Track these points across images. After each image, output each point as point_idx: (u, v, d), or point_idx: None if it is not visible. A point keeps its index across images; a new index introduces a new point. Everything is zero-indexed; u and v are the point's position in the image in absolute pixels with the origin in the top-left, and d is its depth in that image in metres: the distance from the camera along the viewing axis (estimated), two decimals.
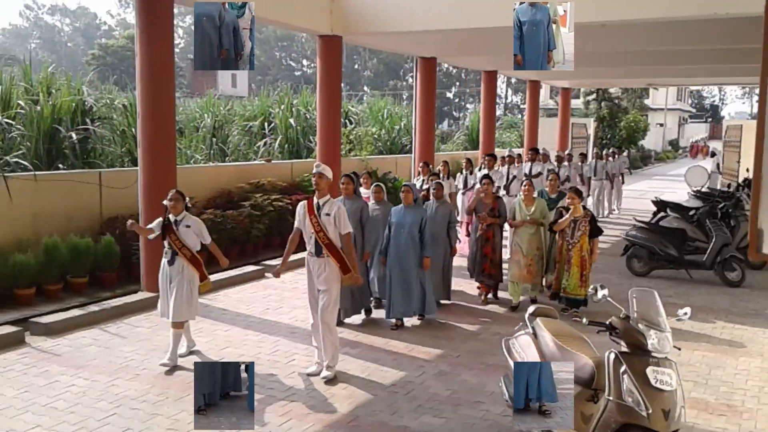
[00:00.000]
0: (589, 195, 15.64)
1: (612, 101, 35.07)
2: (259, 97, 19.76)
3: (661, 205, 12.72)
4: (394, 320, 7.74)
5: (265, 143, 17.16)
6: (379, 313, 8.13)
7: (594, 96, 34.90)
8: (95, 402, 5.60)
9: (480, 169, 12.35)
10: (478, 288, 8.97)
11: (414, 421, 5.32)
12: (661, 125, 54.91)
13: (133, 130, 11.64)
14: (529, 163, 13.80)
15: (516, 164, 13.42)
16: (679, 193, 17.19)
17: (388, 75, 70.77)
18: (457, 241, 9.08)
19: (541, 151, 14.35)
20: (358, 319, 7.94)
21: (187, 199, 6.64)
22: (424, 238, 7.60)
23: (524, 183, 8.82)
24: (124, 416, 5.34)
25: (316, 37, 12.11)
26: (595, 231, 8.17)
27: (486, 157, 12.32)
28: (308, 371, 6.29)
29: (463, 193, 12.08)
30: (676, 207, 12.48)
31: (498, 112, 33.38)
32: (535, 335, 4.94)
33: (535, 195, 8.87)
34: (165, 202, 6.47)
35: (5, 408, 5.44)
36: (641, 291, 4.28)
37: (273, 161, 14.96)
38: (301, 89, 20.26)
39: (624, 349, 4.09)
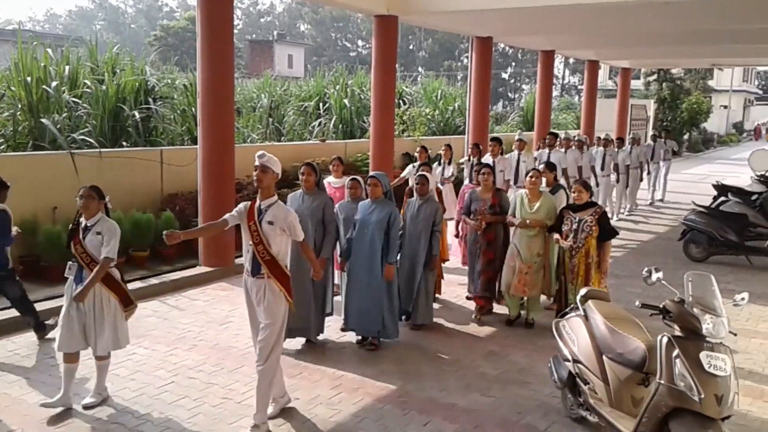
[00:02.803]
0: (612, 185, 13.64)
1: (674, 82, 34.00)
2: (315, 78, 19.91)
3: (722, 189, 12.32)
4: (354, 335, 6.56)
5: (319, 123, 17.33)
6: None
7: (655, 76, 33.89)
8: (154, 370, 5.86)
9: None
10: (475, 301, 7.44)
11: (462, 399, 5.38)
12: (725, 107, 52.88)
13: (193, 109, 11.93)
14: (547, 150, 11.99)
15: (557, 147, 11.99)
16: (742, 178, 16.64)
17: (443, 55, 70.15)
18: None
19: (576, 137, 13.07)
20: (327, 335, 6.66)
21: (107, 198, 5.15)
22: (389, 240, 6.24)
23: (530, 173, 7.15)
24: (181, 384, 5.57)
25: (372, 17, 12.14)
26: (606, 232, 6.61)
27: (490, 143, 10.74)
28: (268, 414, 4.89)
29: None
30: (738, 191, 12.08)
31: (555, 93, 32.79)
32: (586, 317, 4.93)
33: (544, 188, 7.51)
34: (77, 198, 5.04)
35: None
36: (697, 275, 4.21)
37: (327, 141, 15.11)
38: (356, 70, 20.32)
39: (678, 333, 4.04)
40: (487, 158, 10.32)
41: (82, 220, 5.07)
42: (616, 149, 13.83)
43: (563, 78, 67.35)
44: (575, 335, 4.89)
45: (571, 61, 57.63)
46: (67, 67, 11.10)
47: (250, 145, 13.73)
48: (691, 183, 19.54)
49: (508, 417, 5.08)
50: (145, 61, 12.72)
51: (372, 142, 12.43)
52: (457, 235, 8.44)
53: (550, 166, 7.92)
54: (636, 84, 33.70)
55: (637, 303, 4.33)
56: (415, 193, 7.05)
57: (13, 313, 6.84)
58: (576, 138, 13.02)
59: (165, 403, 5.21)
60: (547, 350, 5.99)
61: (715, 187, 12.55)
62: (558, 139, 12.21)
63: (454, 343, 6.65)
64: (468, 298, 7.83)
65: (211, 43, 8.68)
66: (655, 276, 4.40)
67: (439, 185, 9.91)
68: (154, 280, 8.32)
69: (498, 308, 7.52)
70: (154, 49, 30.73)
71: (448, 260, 8.54)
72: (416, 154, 10.08)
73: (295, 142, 15.26)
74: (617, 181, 13.73)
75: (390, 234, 6.22)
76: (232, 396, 5.37)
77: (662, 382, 3.95)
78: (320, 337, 6.54)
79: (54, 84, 10.50)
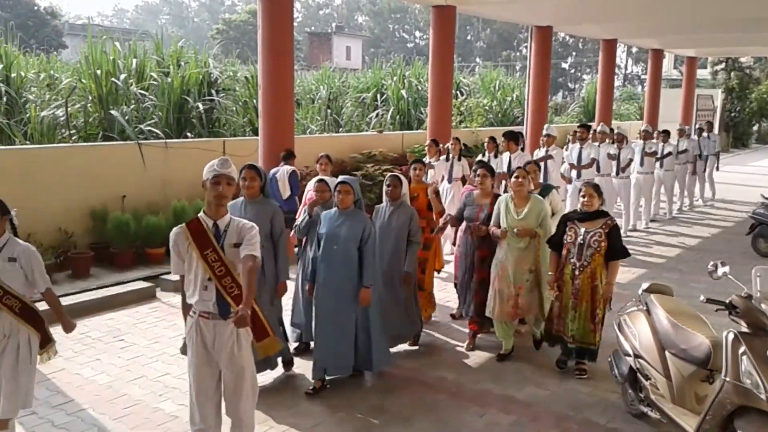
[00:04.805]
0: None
1: (743, 71, 32.63)
2: (372, 69, 20.00)
3: None
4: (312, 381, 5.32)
5: (377, 114, 17.42)
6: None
7: (723, 65, 32.57)
8: None
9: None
10: (469, 325, 6.32)
11: (519, 392, 5.36)
12: None
13: (255, 101, 12.17)
14: (578, 144, 10.58)
15: (591, 142, 10.70)
16: None
17: (502, 45, 69.26)
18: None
19: (616, 130, 11.73)
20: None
21: (13, 212, 4.00)
22: (364, 259, 5.20)
23: (516, 172, 5.87)
24: None
25: (430, 7, 12.11)
26: (617, 251, 5.43)
27: (487, 140, 9.79)
28: None
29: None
30: None
31: (617, 83, 31.99)
32: (648, 312, 4.84)
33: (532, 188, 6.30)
34: None
35: (138, 356, 5.97)
36: (766, 270, 4.09)
37: (384, 132, 15.18)
38: (414, 61, 20.31)
39: (744, 329, 3.93)
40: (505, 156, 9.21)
41: None
42: (657, 141, 12.38)
43: (626, 68, 65.61)
44: (636, 330, 4.81)
45: (634, 50, 56.11)
46: (134, 61, 11.48)
47: (309, 136, 13.93)
48: (761, 176, 18.78)
49: (565, 411, 5.04)
50: (208, 54, 13.04)
51: (429, 133, 12.43)
52: (455, 243, 7.21)
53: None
54: (702, 73, 32.54)
55: (702, 298, 4.23)
56: (384, 197, 6.00)
57: (87, 296, 7.18)
58: (616, 131, 11.72)
59: None
60: (606, 345, 5.90)
61: None
62: (591, 132, 10.99)
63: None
64: (453, 316, 6.94)
65: (272, 36, 8.83)
66: (721, 270, 4.29)
67: (446, 183, 9.42)
68: None
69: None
70: (217, 42, 31.39)
71: (442, 268, 7.28)
72: (449, 145, 9.50)
73: (352, 133, 15.38)
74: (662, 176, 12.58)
75: (364, 251, 5.17)
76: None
77: (728, 379, 3.85)
78: None
79: (122, 77, 10.89)
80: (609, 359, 5.18)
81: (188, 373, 3.83)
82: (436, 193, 6.91)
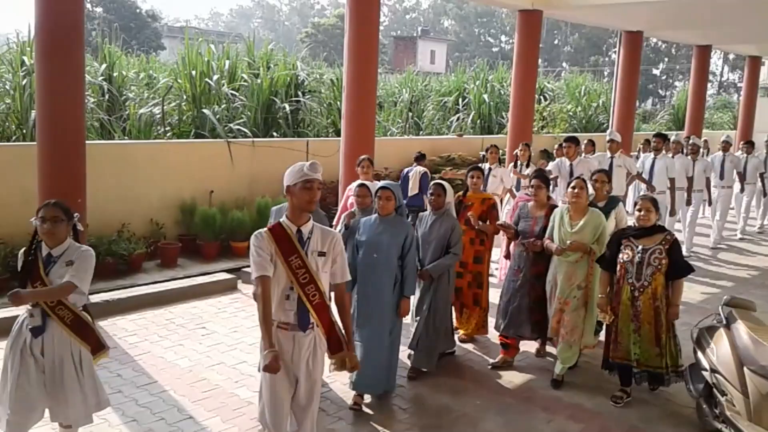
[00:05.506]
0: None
1: None
2: (455, 73, 20.02)
3: None
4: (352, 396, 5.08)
5: (458, 118, 17.45)
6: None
7: None
8: None
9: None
10: (508, 342, 5.91)
11: (589, 401, 5.30)
12: None
13: (339, 103, 12.46)
14: (651, 154, 9.82)
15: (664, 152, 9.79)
16: None
17: (590, 50, 67.58)
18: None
19: (672, 138, 10.66)
20: None
21: (76, 217, 3.81)
22: (405, 268, 5.03)
23: (573, 182, 5.57)
24: None
25: (517, 12, 12.05)
26: (679, 267, 5.05)
27: (521, 147, 9.32)
28: None
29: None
30: None
31: (711, 91, 30.68)
32: (728, 326, 4.70)
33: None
34: (34, 221, 3.70)
35: (218, 344, 6.26)
36: None
37: (464, 136, 15.20)
38: (497, 65, 20.21)
39: None
40: (563, 161, 8.87)
41: (42, 247, 3.72)
42: (742, 154, 11.63)
43: (721, 75, 62.70)
44: (714, 344, 4.68)
45: (730, 56, 53.53)
46: (227, 62, 11.98)
47: (389, 138, 14.13)
48: None
49: (636, 424, 4.95)
50: (296, 57, 13.47)
51: (509, 137, 12.36)
52: (507, 256, 6.61)
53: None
54: None
55: None
56: (428, 206, 5.84)
57: (174, 285, 7.59)
58: (691, 141, 10.97)
59: None
60: (682, 359, 5.75)
61: None
62: (667, 143, 10.07)
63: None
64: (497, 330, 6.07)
65: (358, 41, 9.03)
66: None
67: (513, 191, 8.82)
68: None
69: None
70: (305, 46, 32.21)
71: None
72: (485, 154, 9.01)
73: (432, 136, 15.48)
74: (741, 190, 11.64)
75: (406, 260, 5.00)
76: None
77: None
78: None
79: (215, 77, 11.41)
80: (684, 373, 5.05)
81: (262, 384, 3.61)
82: (494, 207, 6.41)
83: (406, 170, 9.35)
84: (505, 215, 8.21)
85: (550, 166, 9.17)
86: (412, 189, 8.94)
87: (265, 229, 3.57)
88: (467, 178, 6.43)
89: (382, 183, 5.19)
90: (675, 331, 5.12)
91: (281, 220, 3.59)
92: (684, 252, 8.90)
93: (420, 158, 9.46)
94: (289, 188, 3.51)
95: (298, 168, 3.50)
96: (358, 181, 5.84)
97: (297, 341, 3.52)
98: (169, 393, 5.21)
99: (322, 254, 3.53)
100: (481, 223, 6.14)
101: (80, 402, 3.75)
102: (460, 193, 6.39)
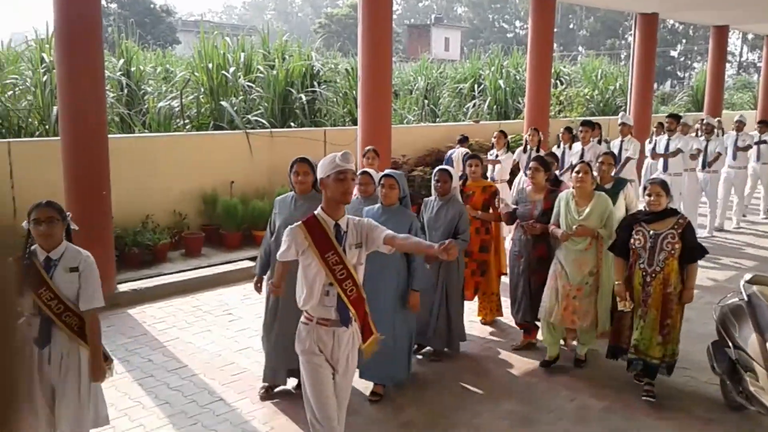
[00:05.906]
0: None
1: None
2: (470, 60, 19.96)
3: None
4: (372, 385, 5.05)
5: (474, 104, 17.42)
6: None
7: None
8: None
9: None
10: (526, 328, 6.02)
11: (613, 380, 5.34)
12: None
13: (354, 92, 12.50)
14: (665, 135, 9.79)
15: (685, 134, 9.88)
16: None
17: (605, 34, 66.93)
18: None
19: (704, 120, 10.74)
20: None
21: (68, 216, 3.60)
22: (412, 261, 4.86)
23: (577, 167, 5.40)
24: None
25: None
26: (693, 250, 4.85)
27: (496, 134, 9.34)
28: None
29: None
30: None
31: (731, 72, 30.30)
32: (749, 303, 4.71)
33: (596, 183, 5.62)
34: (25, 225, 3.44)
35: (244, 329, 6.40)
36: None
37: (481, 122, 15.18)
38: (512, 50, 20.11)
39: None
40: (576, 146, 9.05)
41: (38, 252, 3.46)
42: (759, 133, 11.30)
43: (740, 55, 61.81)
44: (737, 321, 4.70)
45: (750, 36, 52.76)
46: (242, 54, 12.07)
47: (405, 126, 14.16)
48: None
49: (659, 401, 4.98)
50: (310, 48, 13.53)
51: (526, 122, 12.34)
52: None
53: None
54: None
55: None
56: (433, 192, 5.61)
57: (200, 273, 7.73)
58: (705, 121, 10.82)
59: None
60: (706, 336, 5.77)
61: None
62: (680, 123, 10.03)
63: None
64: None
65: (372, 30, 9.07)
66: None
67: (523, 176, 8.47)
68: None
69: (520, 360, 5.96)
70: (319, 36, 32.32)
71: (505, 273, 6.54)
72: (528, 137, 9.19)
73: (449, 123, 15.48)
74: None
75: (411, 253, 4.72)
76: None
77: None
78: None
79: (231, 70, 11.50)
80: (707, 350, 5.08)
81: (306, 386, 3.53)
82: (495, 194, 6.27)
83: (450, 152, 9.82)
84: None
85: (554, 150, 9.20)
86: (457, 169, 8.61)
87: (300, 223, 3.45)
88: (465, 167, 6.34)
89: (386, 171, 5.11)
90: (682, 320, 4.97)
91: (316, 212, 3.45)
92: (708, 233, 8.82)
93: (463, 140, 9.96)
94: (323, 181, 3.43)
95: (330, 159, 3.41)
96: (362, 169, 5.72)
97: (337, 337, 3.47)
98: (199, 377, 5.34)
99: (359, 246, 3.46)
100: (480, 212, 6.09)
101: (75, 409, 3.49)
102: (460, 182, 6.24)
